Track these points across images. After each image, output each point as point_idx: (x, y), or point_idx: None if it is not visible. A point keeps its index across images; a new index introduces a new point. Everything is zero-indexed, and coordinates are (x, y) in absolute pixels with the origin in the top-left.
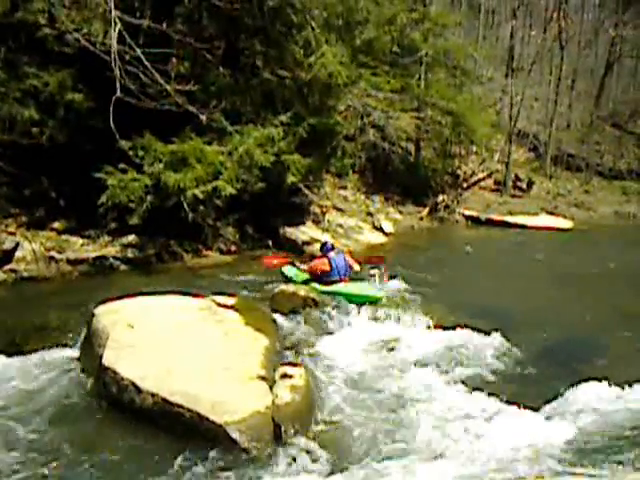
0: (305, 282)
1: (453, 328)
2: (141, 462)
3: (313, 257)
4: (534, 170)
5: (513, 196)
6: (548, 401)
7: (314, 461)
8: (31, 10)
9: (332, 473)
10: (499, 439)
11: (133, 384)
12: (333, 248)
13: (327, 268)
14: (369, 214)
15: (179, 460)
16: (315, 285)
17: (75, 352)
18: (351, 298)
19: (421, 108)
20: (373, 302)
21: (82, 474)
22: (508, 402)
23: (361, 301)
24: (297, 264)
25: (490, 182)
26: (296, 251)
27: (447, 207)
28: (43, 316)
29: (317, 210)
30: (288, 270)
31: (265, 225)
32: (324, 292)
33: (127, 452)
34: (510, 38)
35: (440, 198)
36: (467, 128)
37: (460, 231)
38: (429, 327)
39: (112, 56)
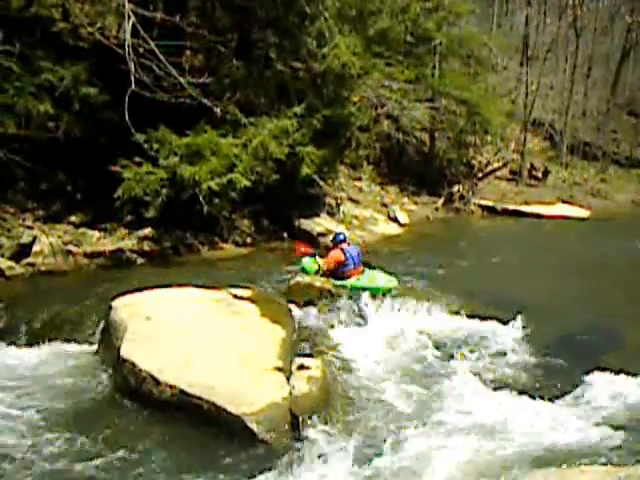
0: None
1: (470, 318)
2: (159, 453)
3: (328, 250)
4: (550, 159)
5: (529, 185)
6: (567, 391)
7: (331, 452)
8: (45, 5)
9: (349, 464)
10: (518, 429)
11: (151, 376)
12: (345, 239)
13: (342, 258)
14: (384, 205)
15: (197, 451)
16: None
17: (93, 345)
18: (366, 290)
19: (435, 98)
20: (388, 292)
21: (100, 464)
22: (527, 392)
23: (376, 292)
24: (319, 260)
25: (505, 172)
26: (311, 243)
27: (462, 197)
28: (61, 309)
29: (332, 201)
30: (304, 261)
31: (280, 217)
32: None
33: (145, 443)
34: (525, 26)
35: (455, 188)
36: (482, 117)
37: (475, 221)
38: (446, 317)
39: (126, 49)
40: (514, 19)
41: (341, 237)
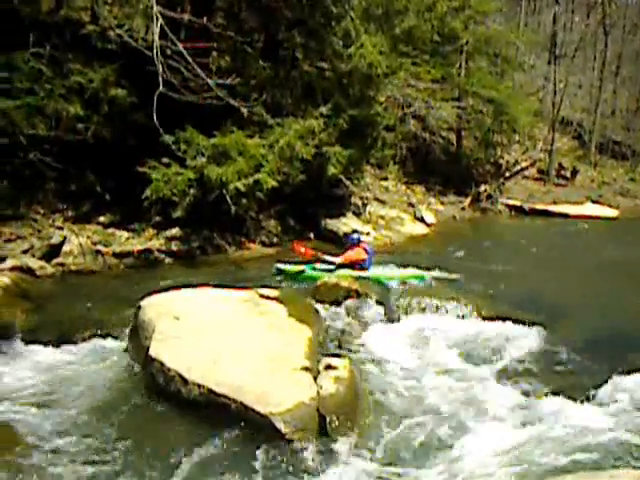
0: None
1: (496, 319)
2: (186, 451)
3: (346, 248)
4: (578, 158)
5: (557, 185)
6: (595, 393)
7: (358, 453)
8: (74, 8)
9: (376, 466)
10: (547, 433)
11: (179, 375)
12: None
13: (364, 256)
14: (410, 205)
15: (224, 450)
16: (350, 272)
17: (122, 343)
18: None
19: (462, 97)
20: (419, 280)
21: (129, 461)
22: (555, 394)
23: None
24: (326, 257)
25: (533, 171)
26: (337, 243)
27: (489, 197)
28: (91, 308)
29: (358, 201)
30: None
31: (306, 217)
32: (364, 278)
33: (173, 441)
34: (552, 24)
35: (482, 188)
36: (509, 117)
37: (503, 221)
38: (472, 318)
39: (154, 51)
40: (541, 17)
41: (358, 236)
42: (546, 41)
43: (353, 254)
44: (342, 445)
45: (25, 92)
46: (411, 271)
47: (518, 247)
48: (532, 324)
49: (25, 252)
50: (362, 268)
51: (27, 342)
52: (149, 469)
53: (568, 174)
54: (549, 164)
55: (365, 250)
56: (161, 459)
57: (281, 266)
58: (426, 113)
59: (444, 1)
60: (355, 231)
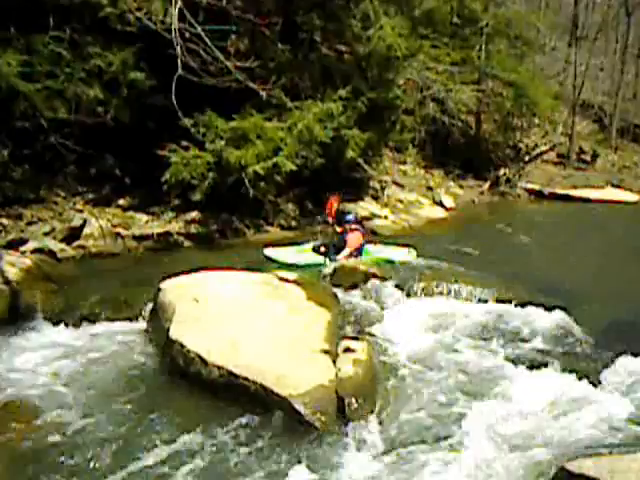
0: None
1: (513, 303)
2: (206, 432)
3: (343, 234)
4: (599, 142)
5: (577, 169)
6: (614, 377)
7: (376, 435)
8: None
9: (394, 449)
10: (566, 416)
11: (199, 357)
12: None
13: (362, 240)
14: (429, 189)
15: (244, 431)
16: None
17: (142, 325)
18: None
19: (482, 80)
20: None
21: (147, 442)
22: (573, 378)
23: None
24: (337, 257)
25: (553, 155)
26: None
27: (509, 181)
28: (111, 290)
29: (376, 185)
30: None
31: (324, 201)
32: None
33: (192, 422)
34: (574, 5)
35: (501, 172)
36: (529, 100)
37: (522, 205)
38: (490, 301)
39: (173, 34)
40: None
41: (353, 216)
42: (567, 23)
43: (355, 240)
44: (360, 427)
45: (45, 75)
46: (395, 257)
47: (537, 231)
48: (550, 308)
49: (46, 235)
50: (360, 253)
51: (48, 323)
52: (168, 449)
53: (588, 158)
54: (569, 148)
55: (363, 234)
56: (180, 439)
57: (270, 255)
58: (445, 96)
59: None
60: (349, 212)
